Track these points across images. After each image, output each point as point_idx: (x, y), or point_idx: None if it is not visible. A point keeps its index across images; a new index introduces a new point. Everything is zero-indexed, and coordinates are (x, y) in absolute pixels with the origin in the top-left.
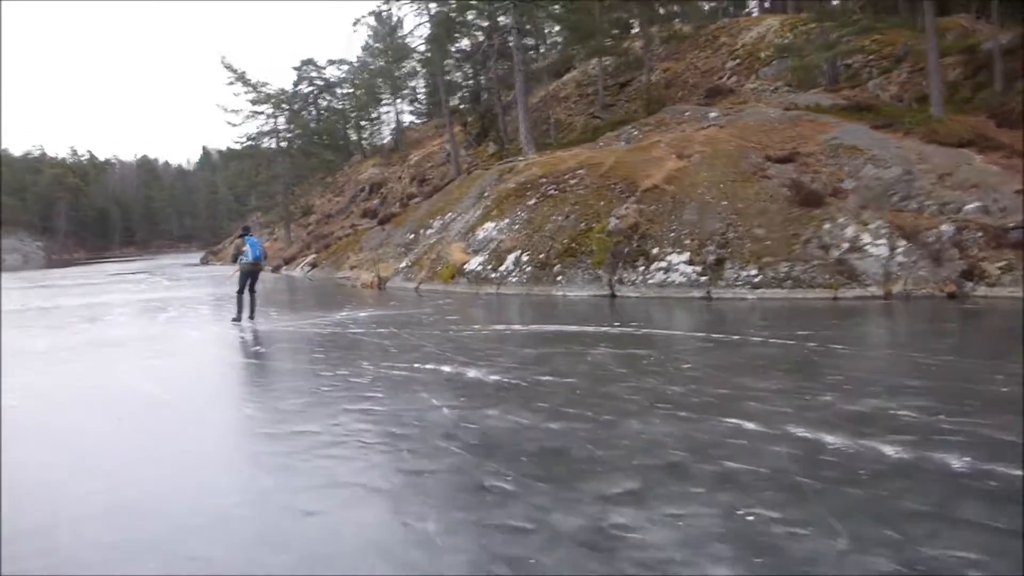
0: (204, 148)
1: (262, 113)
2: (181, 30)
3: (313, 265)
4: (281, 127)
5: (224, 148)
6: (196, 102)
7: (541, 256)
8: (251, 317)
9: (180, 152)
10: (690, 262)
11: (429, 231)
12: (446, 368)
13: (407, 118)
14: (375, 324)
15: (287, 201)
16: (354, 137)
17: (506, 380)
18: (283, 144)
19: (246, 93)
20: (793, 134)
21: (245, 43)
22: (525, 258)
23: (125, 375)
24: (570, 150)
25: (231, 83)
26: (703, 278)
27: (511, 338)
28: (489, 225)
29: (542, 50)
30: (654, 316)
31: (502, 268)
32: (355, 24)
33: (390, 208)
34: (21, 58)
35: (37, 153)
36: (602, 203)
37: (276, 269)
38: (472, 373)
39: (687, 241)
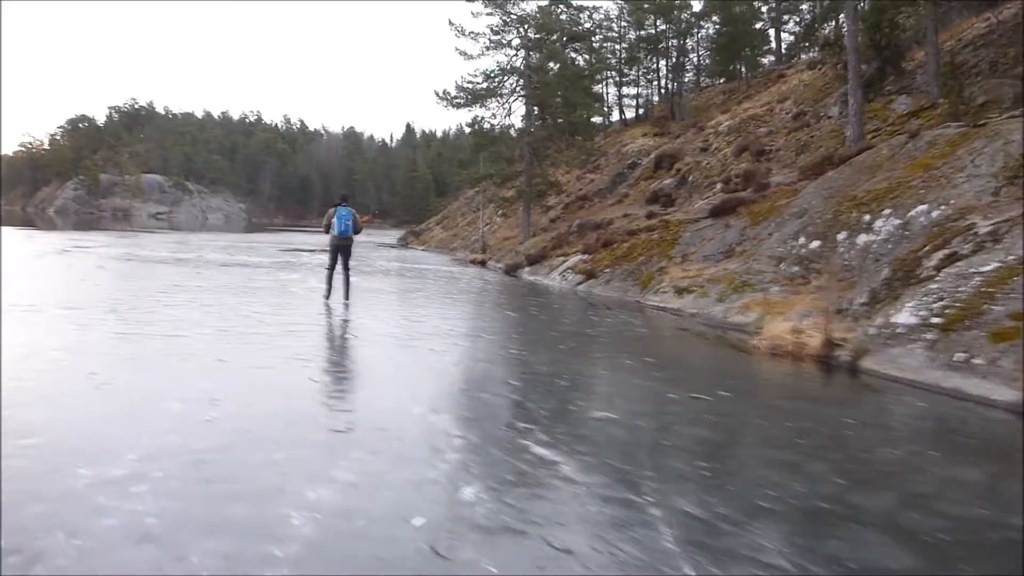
0: (408, 125)
1: (506, 44)
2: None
3: (588, 274)
4: (533, 63)
5: (449, 99)
6: (405, 80)
7: None
8: (345, 298)
9: (384, 127)
10: None
11: (863, 236)
12: None
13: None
14: None
15: (531, 171)
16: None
17: None
18: (534, 88)
19: (488, 15)
20: None
21: None
22: None
23: None
24: None
25: None
26: None
27: None
28: None
29: None
30: None
31: None
32: None
33: (699, 191)
34: (249, 30)
35: (253, 118)
36: None
37: (512, 271)
38: None
39: None
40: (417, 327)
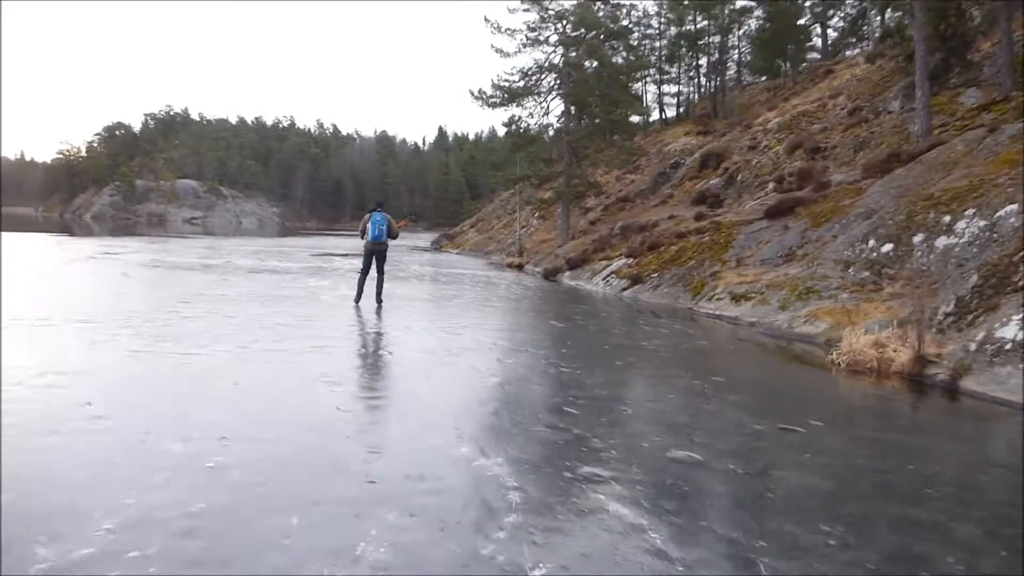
0: (440, 128)
1: (544, 41)
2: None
3: (634, 280)
4: (572, 60)
5: (485, 92)
6: (437, 83)
7: None
8: (378, 301)
9: (416, 130)
10: None
11: (943, 239)
12: None
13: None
14: None
15: (570, 172)
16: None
17: None
18: (572, 85)
19: (525, 11)
20: None
21: None
22: None
23: None
24: None
25: None
26: None
27: None
28: None
29: None
30: None
31: None
32: None
33: (748, 191)
34: (281, 35)
35: (287, 123)
36: None
37: (551, 275)
38: None
39: None
40: (456, 340)
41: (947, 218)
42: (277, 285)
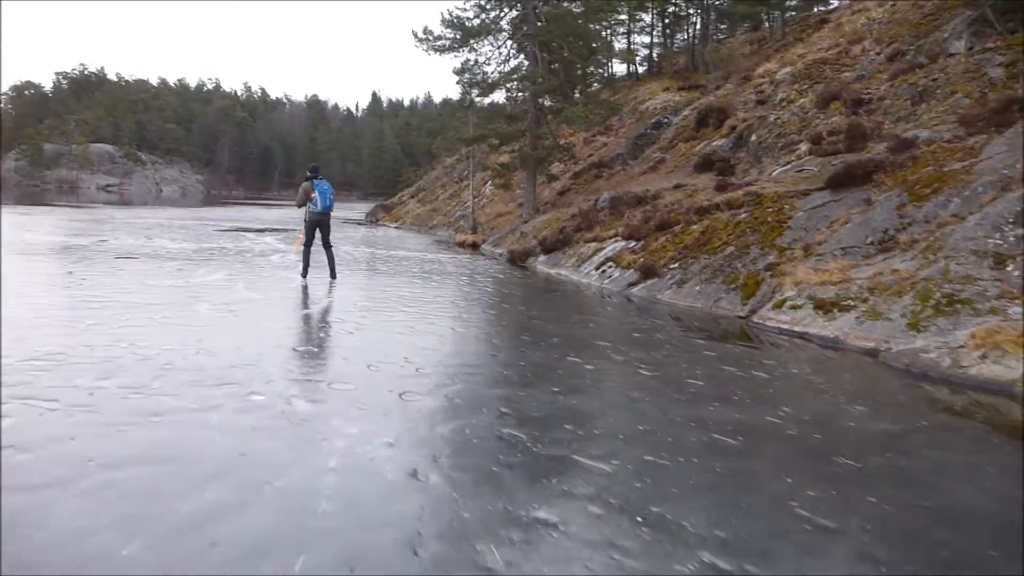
0: (374, 94)
1: None
2: None
3: (645, 272)
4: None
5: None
6: (371, 47)
7: None
8: (332, 278)
9: (349, 96)
10: None
11: None
12: None
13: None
14: None
15: (537, 130)
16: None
17: None
18: (539, 24)
19: None
20: None
21: None
22: None
23: None
24: None
25: None
26: None
27: None
28: None
29: None
30: None
31: None
32: None
33: (770, 153)
34: None
35: (212, 86)
36: None
37: (520, 259)
38: None
39: None
40: (425, 424)
41: None
42: (144, 280)
